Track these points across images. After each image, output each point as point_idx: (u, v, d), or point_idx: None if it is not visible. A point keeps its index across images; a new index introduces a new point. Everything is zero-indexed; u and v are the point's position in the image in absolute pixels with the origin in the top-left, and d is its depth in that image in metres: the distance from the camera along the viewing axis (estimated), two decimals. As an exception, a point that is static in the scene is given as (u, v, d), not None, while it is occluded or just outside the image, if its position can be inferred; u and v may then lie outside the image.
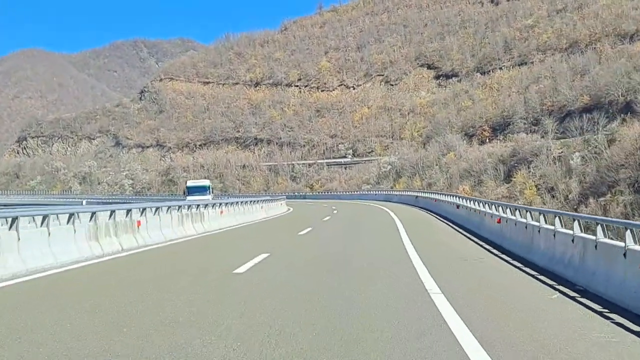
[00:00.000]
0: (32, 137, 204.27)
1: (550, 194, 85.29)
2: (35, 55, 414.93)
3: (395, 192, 69.88)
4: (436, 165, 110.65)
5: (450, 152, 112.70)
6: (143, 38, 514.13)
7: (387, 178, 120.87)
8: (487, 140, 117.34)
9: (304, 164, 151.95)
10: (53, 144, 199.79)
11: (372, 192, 72.60)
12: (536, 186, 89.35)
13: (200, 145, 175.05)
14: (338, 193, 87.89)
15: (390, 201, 66.77)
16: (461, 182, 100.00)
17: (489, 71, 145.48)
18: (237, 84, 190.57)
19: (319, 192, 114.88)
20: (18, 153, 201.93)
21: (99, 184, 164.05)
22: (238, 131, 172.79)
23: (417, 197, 63.61)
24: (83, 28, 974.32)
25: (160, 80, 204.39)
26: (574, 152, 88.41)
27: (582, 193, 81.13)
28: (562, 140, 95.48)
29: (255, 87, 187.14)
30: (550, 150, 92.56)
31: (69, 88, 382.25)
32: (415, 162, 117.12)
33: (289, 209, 57.58)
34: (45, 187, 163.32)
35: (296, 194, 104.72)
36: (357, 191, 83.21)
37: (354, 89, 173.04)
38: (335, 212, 50.67)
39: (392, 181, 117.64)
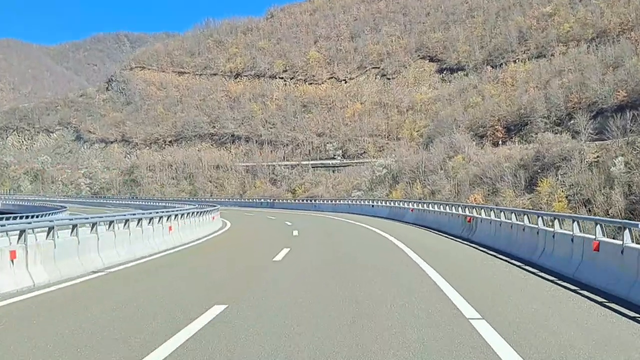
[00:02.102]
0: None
1: (586, 207, 69.65)
2: (11, 46, 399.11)
3: (379, 203, 55.07)
4: (441, 169, 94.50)
5: (458, 154, 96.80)
6: (127, 31, 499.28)
7: (381, 184, 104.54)
8: (500, 142, 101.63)
9: (286, 165, 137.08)
10: (7, 136, 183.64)
11: (359, 203, 57.28)
12: (566, 197, 73.86)
13: (170, 141, 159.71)
14: (319, 202, 72.29)
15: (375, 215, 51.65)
16: (472, 190, 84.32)
17: (501, 64, 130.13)
18: (215, 74, 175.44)
19: (289, 201, 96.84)
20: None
21: (52, 182, 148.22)
22: (214, 127, 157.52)
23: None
24: (63, 19, 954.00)
25: (131, 69, 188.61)
26: (616, 156, 72.84)
27: (628, 208, 65.69)
28: (598, 142, 79.95)
29: (236, 78, 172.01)
30: (583, 153, 77.06)
31: (44, 81, 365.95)
32: (415, 166, 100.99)
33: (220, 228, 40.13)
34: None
35: (262, 201, 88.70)
36: (342, 200, 66.99)
37: (345, 82, 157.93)
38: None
39: (388, 187, 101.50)
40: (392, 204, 51.81)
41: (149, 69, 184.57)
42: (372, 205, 55.87)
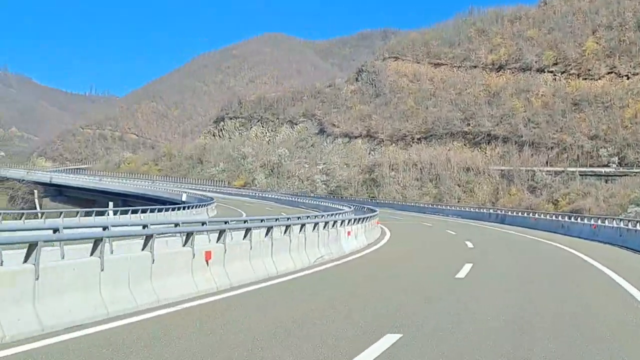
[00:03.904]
0: (230, 118, 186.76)
1: None
2: (277, 40, 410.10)
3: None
4: None
5: None
6: (394, 28, 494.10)
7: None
8: None
9: (548, 171, 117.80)
10: (251, 127, 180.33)
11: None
12: None
13: (418, 139, 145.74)
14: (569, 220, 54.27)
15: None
16: None
17: None
18: (474, 67, 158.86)
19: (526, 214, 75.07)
20: (214, 135, 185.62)
21: (288, 177, 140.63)
22: (468, 124, 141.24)
23: None
24: (330, 16, 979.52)
25: (383, 59, 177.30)
26: None
27: None
28: None
29: (497, 71, 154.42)
30: None
31: (307, 75, 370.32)
32: None
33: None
34: (226, 177, 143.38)
35: (483, 211, 70.36)
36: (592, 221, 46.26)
37: (628, 78, 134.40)
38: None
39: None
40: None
41: (402, 60, 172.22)
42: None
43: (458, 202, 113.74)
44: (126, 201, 72.12)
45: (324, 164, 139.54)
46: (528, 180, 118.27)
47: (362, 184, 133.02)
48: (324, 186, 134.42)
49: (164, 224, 23.21)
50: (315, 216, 29.19)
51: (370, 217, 33.01)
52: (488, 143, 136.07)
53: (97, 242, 11.13)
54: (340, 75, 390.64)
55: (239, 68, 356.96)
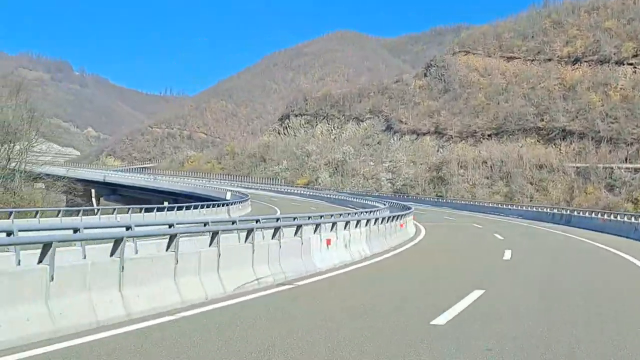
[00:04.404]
0: (295, 116, 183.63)
1: None
2: (346, 37, 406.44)
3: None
4: None
5: None
6: (468, 23, 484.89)
7: None
8: None
9: (627, 168, 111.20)
10: (317, 124, 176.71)
11: None
12: None
13: (489, 135, 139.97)
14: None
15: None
16: None
17: None
18: (549, 60, 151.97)
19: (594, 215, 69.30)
20: (278, 133, 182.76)
21: (352, 175, 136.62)
22: (541, 119, 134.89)
23: None
24: (402, 13, 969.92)
25: (453, 53, 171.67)
26: None
27: None
28: None
29: (573, 64, 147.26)
30: None
31: (378, 72, 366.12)
32: None
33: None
34: (289, 175, 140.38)
35: (547, 212, 62.85)
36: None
37: None
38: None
39: None
40: None
41: (473, 54, 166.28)
42: None
43: (530, 201, 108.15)
44: (176, 200, 70.28)
45: (389, 161, 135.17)
46: (606, 178, 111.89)
47: (429, 182, 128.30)
48: (389, 185, 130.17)
49: (188, 223, 23.38)
50: (295, 217, 23.32)
51: (379, 218, 26.07)
52: (563, 139, 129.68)
53: (118, 242, 11.21)
54: (412, 72, 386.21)
55: (310, 66, 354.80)
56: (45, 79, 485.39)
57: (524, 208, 73.91)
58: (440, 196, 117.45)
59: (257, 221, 19.23)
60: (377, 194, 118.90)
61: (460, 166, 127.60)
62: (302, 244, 17.59)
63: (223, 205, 52.22)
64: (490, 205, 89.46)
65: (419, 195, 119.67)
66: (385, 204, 54.36)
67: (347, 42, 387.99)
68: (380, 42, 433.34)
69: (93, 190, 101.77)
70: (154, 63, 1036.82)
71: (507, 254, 24.76)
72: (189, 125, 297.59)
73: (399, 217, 30.03)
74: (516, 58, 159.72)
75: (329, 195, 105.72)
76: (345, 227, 21.32)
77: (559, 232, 43.39)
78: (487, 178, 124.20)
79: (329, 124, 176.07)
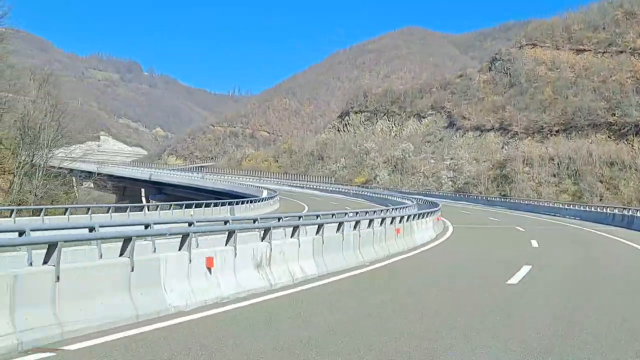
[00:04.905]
0: (355, 112, 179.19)
1: None
2: (413, 34, 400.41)
3: None
4: None
5: None
6: (537, 17, 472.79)
7: None
8: None
9: None
10: (377, 120, 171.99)
11: None
12: None
13: (557, 131, 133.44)
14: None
15: None
16: None
17: None
18: (621, 52, 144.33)
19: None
20: (338, 130, 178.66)
21: (412, 174, 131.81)
22: (613, 114, 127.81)
23: None
24: (470, 8, 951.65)
25: (520, 47, 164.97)
26: None
27: None
28: None
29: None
30: None
31: (444, 69, 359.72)
32: None
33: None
34: (347, 173, 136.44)
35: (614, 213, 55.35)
36: None
37: None
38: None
39: None
40: None
41: (540, 47, 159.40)
42: None
43: (600, 200, 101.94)
44: (218, 198, 68.03)
45: (451, 159, 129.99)
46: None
47: (493, 180, 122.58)
48: (450, 183, 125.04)
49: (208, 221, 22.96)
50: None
51: (343, 222, 19.80)
52: (636, 134, 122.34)
53: (127, 241, 10.89)
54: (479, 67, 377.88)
55: (375, 63, 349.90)
56: (114, 80, 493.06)
57: (582, 208, 67.59)
58: (504, 195, 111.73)
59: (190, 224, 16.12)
60: (437, 193, 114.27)
61: (526, 164, 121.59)
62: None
63: (243, 203, 53.53)
64: (546, 205, 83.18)
65: (481, 194, 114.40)
66: (412, 201, 53.25)
67: (413, 39, 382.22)
68: (448, 39, 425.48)
69: (143, 190, 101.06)
70: (222, 63, 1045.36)
71: (522, 272, 19.41)
72: (252, 123, 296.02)
73: (392, 220, 24.17)
74: (586, 50, 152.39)
75: (370, 194, 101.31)
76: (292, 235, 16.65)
77: (613, 236, 37.63)
78: (554, 176, 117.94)
79: (389, 120, 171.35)
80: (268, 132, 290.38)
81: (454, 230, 37.53)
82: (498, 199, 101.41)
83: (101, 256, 13.93)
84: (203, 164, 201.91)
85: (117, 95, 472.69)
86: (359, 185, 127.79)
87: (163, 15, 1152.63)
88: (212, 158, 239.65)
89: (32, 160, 49.93)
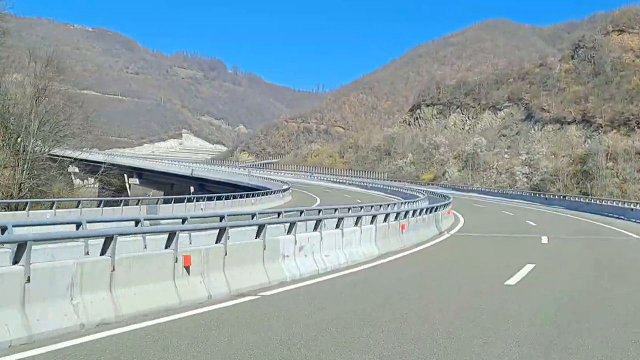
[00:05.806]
0: (427, 105, 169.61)
1: None
2: (499, 26, 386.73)
3: None
4: None
5: None
6: (629, 6, 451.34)
7: None
8: None
9: None
10: (450, 113, 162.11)
11: None
12: None
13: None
14: None
15: None
16: None
17: None
18: None
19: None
20: (408, 124, 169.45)
21: (484, 170, 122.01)
22: None
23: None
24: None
25: (606, 33, 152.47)
26: None
27: None
28: None
29: None
30: None
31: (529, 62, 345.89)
32: None
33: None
34: (414, 169, 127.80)
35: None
36: None
37: None
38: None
39: None
40: None
41: (628, 33, 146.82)
42: None
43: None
44: (249, 194, 63.19)
45: (527, 153, 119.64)
46: None
47: (572, 177, 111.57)
48: (525, 180, 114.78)
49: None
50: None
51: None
52: None
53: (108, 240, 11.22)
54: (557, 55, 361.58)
55: (457, 57, 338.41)
56: (198, 78, 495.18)
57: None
58: (585, 193, 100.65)
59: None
60: (512, 192, 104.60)
61: (609, 158, 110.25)
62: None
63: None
64: (609, 204, 70.96)
65: (559, 192, 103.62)
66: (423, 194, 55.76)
67: (497, 31, 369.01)
68: (534, 31, 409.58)
69: (192, 187, 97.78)
70: (306, 61, 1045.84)
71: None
72: (326, 119, 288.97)
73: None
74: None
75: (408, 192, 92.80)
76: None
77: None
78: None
79: (462, 113, 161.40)
80: (343, 128, 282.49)
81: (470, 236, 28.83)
82: (555, 198, 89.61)
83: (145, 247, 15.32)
84: (268, 161, 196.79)
85: (201, 93, 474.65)
86: (434, 184, 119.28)
87: (247, 14, 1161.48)
88: (284, 154, 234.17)
89: (19, 150, 44.14)
